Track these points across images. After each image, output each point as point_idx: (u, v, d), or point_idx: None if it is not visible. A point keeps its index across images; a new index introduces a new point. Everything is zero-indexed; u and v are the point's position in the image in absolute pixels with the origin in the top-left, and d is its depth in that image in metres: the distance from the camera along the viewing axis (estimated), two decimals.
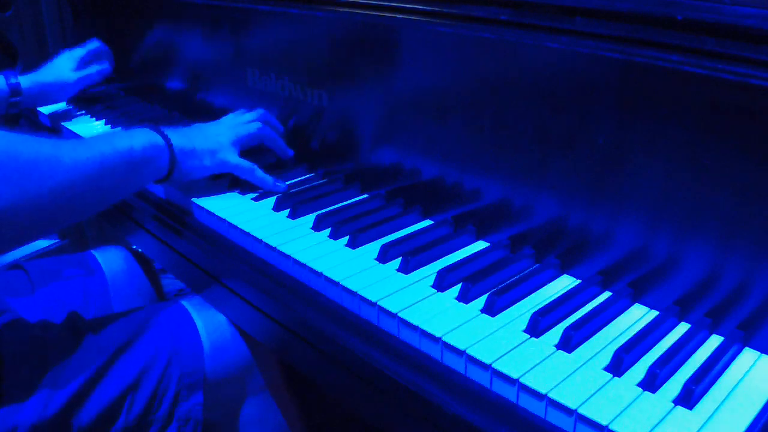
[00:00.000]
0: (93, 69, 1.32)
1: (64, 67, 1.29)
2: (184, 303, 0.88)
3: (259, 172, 0.93)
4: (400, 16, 0.83)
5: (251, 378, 0.88)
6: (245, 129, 0.94)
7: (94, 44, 1.34)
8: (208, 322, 0.85)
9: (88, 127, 1.30)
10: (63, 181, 0.67)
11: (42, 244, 1.67)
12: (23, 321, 0.81)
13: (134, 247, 1.19)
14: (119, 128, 1.14)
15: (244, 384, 0.87)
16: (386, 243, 0.77)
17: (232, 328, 0.87)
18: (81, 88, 1.32)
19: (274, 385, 0.91)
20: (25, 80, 1.22)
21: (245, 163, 0.92)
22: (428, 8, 0.81)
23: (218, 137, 0.91)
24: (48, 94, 1.27)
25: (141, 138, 0.81)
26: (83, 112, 1.39)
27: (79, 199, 0.70)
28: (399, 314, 0.66)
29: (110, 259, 1.06)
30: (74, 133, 1.27)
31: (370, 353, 0.65)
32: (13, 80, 1.20)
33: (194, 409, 0.80)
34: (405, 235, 0.81)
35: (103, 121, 1.31)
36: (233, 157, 0.91)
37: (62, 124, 1.32)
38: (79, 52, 1.31)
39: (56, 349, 0.75)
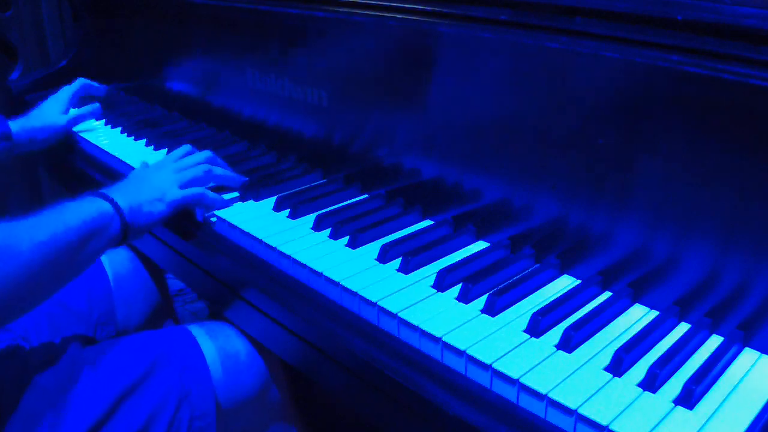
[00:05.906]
0: (85, 110, 1.27)
1: (52, 111, 1.23)
2: (192, 329, 0.84)
3: (210, 194, 0.89)
4: (400, 16, 0.83)
5: (268, 396, 0.86)
6: (192, 172, 0.90)
7: (78, 83, 1.29)
8: (220, 346, 0.83)
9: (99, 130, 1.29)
10: (21, 267, 0.66)
11: None
12: (20, 354, 0.78)
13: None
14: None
15: (263, 402, 0.85)
16: (386, 243, 0.77)
17: (245, 343, 0.85)
18: (72, 128, 1.26)
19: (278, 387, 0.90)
20: (15, 125, 1.16)
21: (192, 191, 0.88)
22: (428, 8, 0.81)
23: (163, 183, 0.87)
24: (38, 140, 1.20)
25: (89, 209, 0.77)
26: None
27: (37, 284, 0.69)
28: (399, 314, 0.66)
29: (115, 260, 1.05)
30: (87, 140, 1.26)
31: (371, 353, 0.65)
32: (2, 126, 1.14)
33: None
34: (405, 235, 0.81)
35: (103, 121, 1.32)
36: (178, 193, 0.86)
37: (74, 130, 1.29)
38: (64, 95, 1.26)
39: (56, 394, 0.72)
